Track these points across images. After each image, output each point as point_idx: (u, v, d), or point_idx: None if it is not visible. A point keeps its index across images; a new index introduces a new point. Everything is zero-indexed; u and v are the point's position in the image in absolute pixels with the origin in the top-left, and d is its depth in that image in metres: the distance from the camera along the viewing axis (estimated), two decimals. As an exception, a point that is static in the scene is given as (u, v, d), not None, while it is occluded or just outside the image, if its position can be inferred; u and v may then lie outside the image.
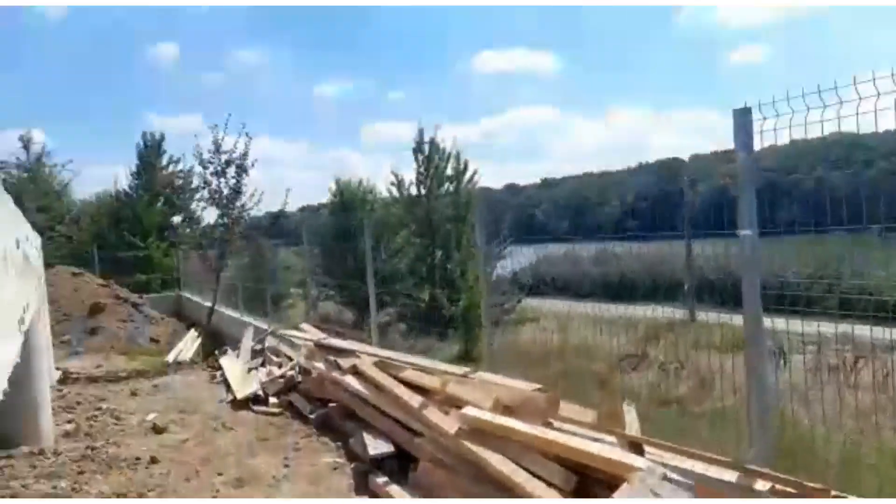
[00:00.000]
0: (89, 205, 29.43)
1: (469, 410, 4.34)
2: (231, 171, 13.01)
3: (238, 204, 13.05)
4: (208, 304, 14.16)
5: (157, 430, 5.67)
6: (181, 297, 19.73)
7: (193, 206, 15.36)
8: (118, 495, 4.11)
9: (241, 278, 14.05)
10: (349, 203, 20.69)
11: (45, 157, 29.24)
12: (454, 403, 4.81)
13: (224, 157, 12.92)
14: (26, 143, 28.69)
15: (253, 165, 13.14)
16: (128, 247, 23.99)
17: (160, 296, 19.89)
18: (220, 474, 4.64)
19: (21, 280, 2.61)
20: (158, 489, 4.29)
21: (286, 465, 4.86)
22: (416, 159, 16.70)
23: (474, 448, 4.02)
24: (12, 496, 3.86)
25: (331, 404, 5.97)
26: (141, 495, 4.14)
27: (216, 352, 11.21)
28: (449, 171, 16.75)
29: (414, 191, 16.56)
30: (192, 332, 13.94)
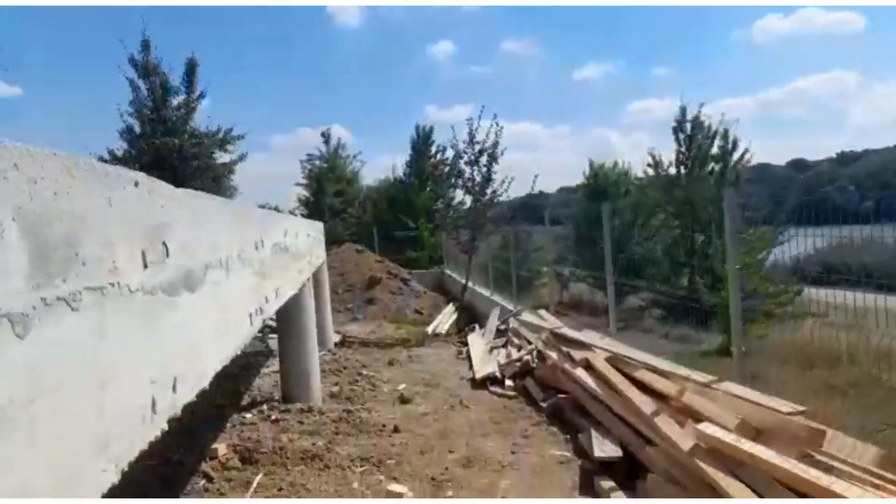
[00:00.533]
0: (373, 190, 33.47)
1: (707, 427, 3.83)
2: (483, 159, 13.50)
3: (489, 190, 13.51)
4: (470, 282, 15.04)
5: (404, 400, 6.16)
6: (443, 273, 21.25)
7: (450, 192, 16.36)
8: (362, 458, 4.54)
9: (492, 258, 14.60)
10: (602, 186, 20.13)
11: (340, 149, 33.86)
12: (691, 415, 4.31)
13: (477, 147, 13.46)
14: (326, 137, 33.54)
15: (502, 153, 13.47)
16: (401, 227, 26.72)
17: (426, 272, 21.68)
18: (451, 452, 4.84)
19: (264, 276, 2.94)
20: (396, 458, 4.63)
21: (513, 452, 4.87)
22: (677, 139, 15.49)
23: (710, 471, 3.54)
24: (281, 449, 4.52)
25: (561, 395, 5.83)
26: (380, 462, 4.52)
27: (466, 328, 11.88)
28: (714, 150, 15.22)
29: (673, 171, 15.42)
30: (450, 307, 14.95)
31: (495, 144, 13.41)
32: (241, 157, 21.16)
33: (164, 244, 1.45)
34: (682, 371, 5.19)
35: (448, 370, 7.65)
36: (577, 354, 5.96)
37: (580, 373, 5.68)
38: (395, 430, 5.24)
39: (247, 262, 2.61)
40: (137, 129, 19.20)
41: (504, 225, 14.01)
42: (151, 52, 18.91)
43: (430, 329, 12.70)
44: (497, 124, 13.31)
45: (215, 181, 20.01)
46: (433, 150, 30.60)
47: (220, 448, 4.49)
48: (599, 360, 5.65)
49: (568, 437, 5.16)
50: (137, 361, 1.23)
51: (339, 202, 31.59)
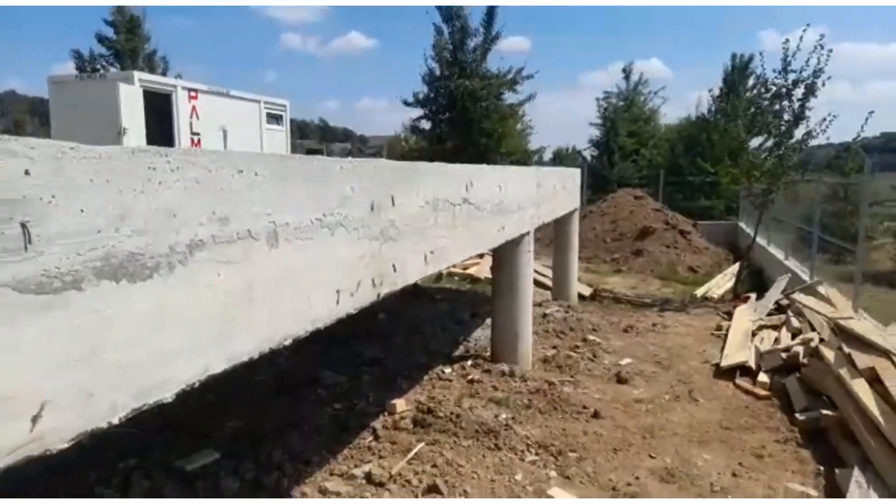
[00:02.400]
0: (671, 129, 30.81)
1: None
2: (798, 92, 10.97)
3: (798, 131, 11.00)
4: (760, 239, 12.88)
5: (620, 379, 5.38)
6: (738, 227, 18.69)
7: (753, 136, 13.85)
8: (541, 445, 4.03)
9: (791, 215, 12.12)
10: None
11: (641, 85, 31.67)
12: None
13: (791, 77, 10.97)
14: (627, 73, 31.62)
15: (824, 84, 10.75)
16: (697, 171, 24.11)
17: (716, 223, 19.32)
18: (652, 457, 4.02)
19: (387, 241, 2.61)
20: (581, 452, 4.01)
21: (734, 474, 3.85)
22: None
23: None
24: (458, 416, 4.25)
25: (826, 412, 4.44)
26: (560, 453, 3.95)
27: (742, 295, 10.13)
28: None
29: None
30: (733, 267, 13.00)
31: (816, 73, 10.77)
32: (530, 98, 21.13)
33: (22, 225, 1.14)
34: None
35: (692, 348, 6.52)
36: (862, 360, 4.47)
37: (859, 386, 4.24)
38: (595, 415, 4.57)
39: (341, 227, 2.26)
40: (437, 73, 20.40)
41: (819, 172, 11.41)
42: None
43: (699, 291, 11.21)
44: (822, 46, 10.63)
45: (501, 121, 20.36)
46: (750, 82, 26.63)
47: (399, 404, 4.41)
48: (892, 373, 4.14)
49: (821, 469, 3.90)
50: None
51: (631, 143, 29.85)
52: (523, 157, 21.74)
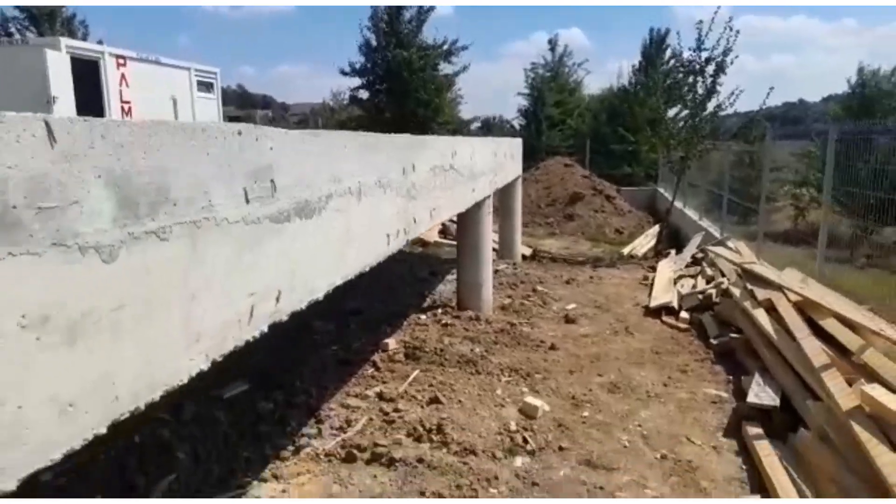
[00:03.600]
0: (594, 100, 32.26)
1: (875, 389, 3.48)
2: (709, 69, 12.24)
3: (710, 104, 12.30)
4: (677, 203, 14.24)
5: (568, 320, 6.34)
6: (656, 192, 20.24)
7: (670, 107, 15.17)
8: (512, 369, 4.90)
9: (704, 180, 13.54)
10: (871, 98, 16.98)
11: (566, 57, 32.84)
12: (869, 375, 3.89)
13: (704, 55, 12.21)
14: (553, 45, 32.70)
15: (732, 62, 12.05)
16: (619, 140, 25.61)
17: (637, 189, 20.81)
18: (600, 375, 4.98)
19: (413, 199, 3.29)
20: (544, 373, 4.91)
21: (665, 385, 4.86)
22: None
23: (864, 436, 3.25)
24: (441, 350, 5.06)
25: (736, 335, 5.54)
26: (528, 375, 4.84)
27: (662, 252, 11.41)
28: None
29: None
30: (654, 229, 14.37)
31: (726, 52, 12.04)
32: (464, 69, 21.83)
33: (271, 181, 1.81)
34: (877, 324, 4.61)
35: (625, 295, 7.59)
36: (762, 294, 5.56)
37: (759, 313, 5.32)
38: (552, 347, 5.49)
39: (389, 187, 2.96)
40: (374, 43, 20.73)
41: (728, 140, 12.76)
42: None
43: (625, 250, 12.45)
44: (731, 28, 11.88)
45: (437, 92, 21.00)
46: (666, 56, 28.28)
47: (391, 343, 5.17)
48: (783, 303, 5.23)
49: (731, 378, 4.97)
50: (233, 278, 1.62)
51: (558, 113, 31.10)
52: (459, 127, 22.53)
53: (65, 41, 16.20)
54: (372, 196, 2.70)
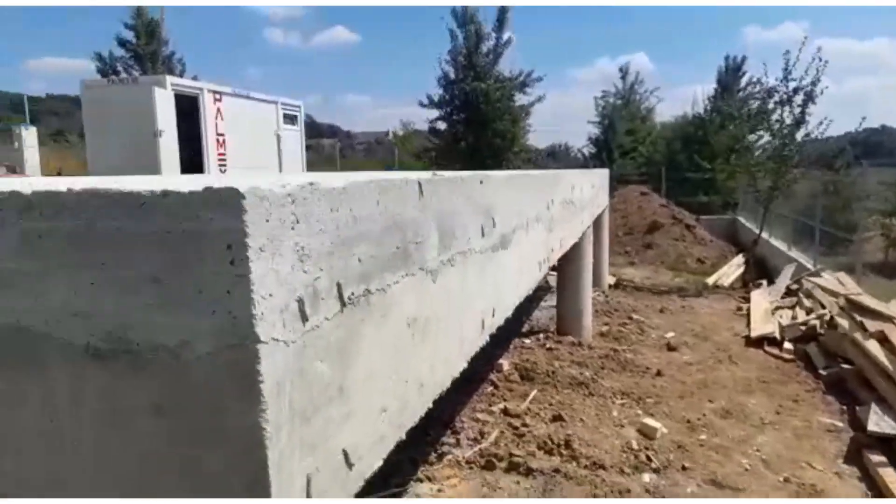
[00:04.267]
0: (667, 127, 32.10)
1: None
2: (798, 98, 12.17)
3: (799, 134, 12.19)
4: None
5: (670, 347, 6.49)
6: (736, 221, 19.91)
7: (752, 135, 15.03)
8: (623, 393, 5.12)
9: (790, 209, 13.33)
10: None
11: (637, 84, 32.92)
12: None
13: (792, 85, 12.16)
14: (624, 72, 32.89)
15: (822, 93, 11.95)
16: (695, 168, 25.33)
17: (716, 218, 20.54)
18: (710, 402, 5.13)
19: (551, 231, 3.63)
20: (655, 398, 5.11)
21: (777, 413, 4.96)
22: None
23: None
24: (552, 373, 5.33)
25: (844, 366, 5.56)
26: (640, 399, 5.04)
27: (752, 283, 11.29)
28: None
29: None
30: (738, 258, 14.20)
31: (814, 82, 11.97)
32: (539, 99, 22.25)
33: (492, 219, 2.19)
34: None
35: (721, 325, 7.65)
36: (873, 325, 5.58)
37: (872, 345, 5.35)
38: (658, 373, 5.67)
39: (540, 221, 3.31)
40: (452, 76, 21.46)
41: (818, 170, 12.58)
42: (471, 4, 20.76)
43: (710, 280, 12.37)
44: (820, 59, 11.82)
45: (513, 123, 21.48)
46: (743, 82, 27.93)
47: (505, 364, 5.48)
48: (897, 336, 5.26)
49: (844, 408, 5.02)
50: (476, 297, 1.99)
51: (629, 141, 31.08)
52: (533, 157, 22.91)
53: (170, 79, 17.60)
54: (532, 229, 3.05)
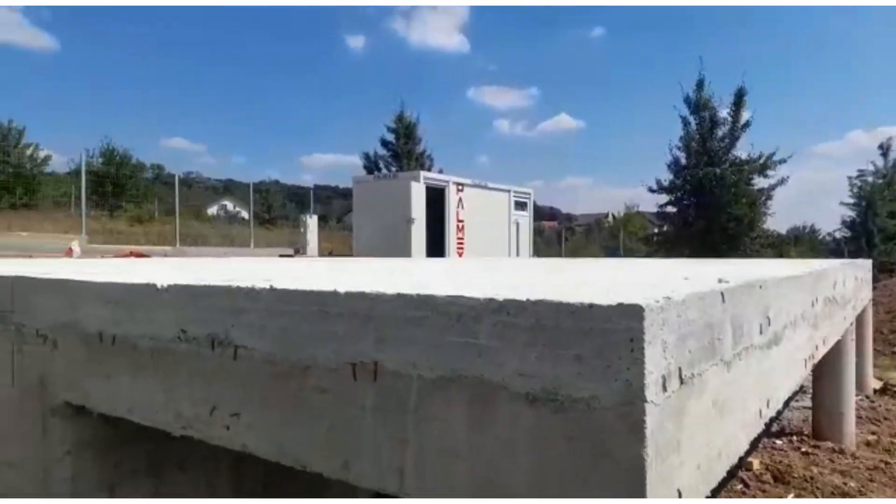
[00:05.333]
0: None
1: None
2: None
3: None
4: None
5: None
6: None
7: None
8: (899, 511, 4.64)
9: None
10: None
11: (902, 161, 29.27)
12: None
13: None
14: (885, 150, 29.48)
15: None
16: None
17: None
18: None
19: (815, 328, 3.69)
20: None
21: None
22: None
23: None
24: (811, 478, 5.03)
25: None
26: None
27: None
28: None
29: None
30: None
31: None
32: (781, 182, 20.97)
33: (767, 317, 2.47)
34: None
35: None
36: None
37: None
38: (943, 494, 5.01)
39: (805, 318, 3.42)
40: (683, 161, 21.28)
41: None
42: (704, 90, 20.72)
43: None
44: None
45: (751, 206, 20.39)
46: None
47: (755, 462, 5.31)
48: None
49: None
50: (756, 387, 2.27)
51: (892, 225, 27.38)
52: (775, 242, 21.31)
53: (423, 174, 20.10)
54: (798, 327, 3.19)
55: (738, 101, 20.48)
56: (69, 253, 16.46)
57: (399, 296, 1.67)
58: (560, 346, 1.41)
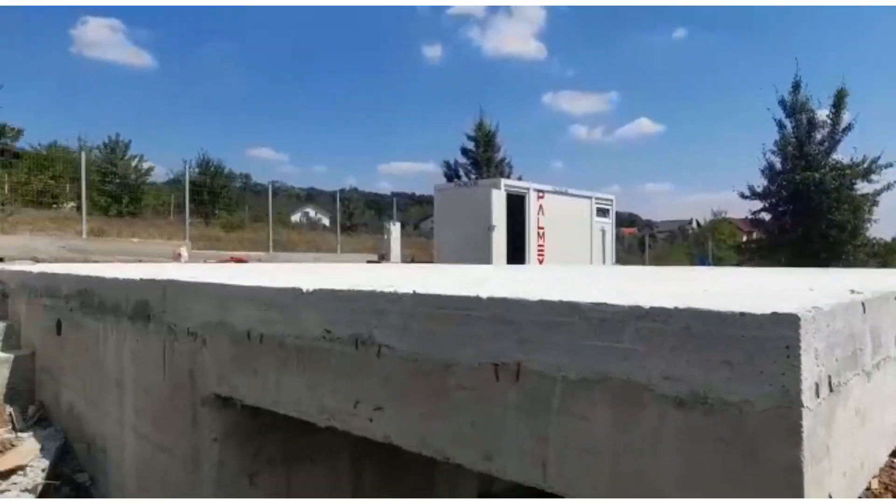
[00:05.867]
0: None
1: None
2: None
3: None
4: None
5: None
6: None
7: None
8: None
9: None
10: None
11: None
12: None
13: None
14: None
15: None
16: None
17: None
18: None
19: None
20: None
21: None
22: None
23: None
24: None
25: None
26: None
27: None
28: None
29: None
30: None
31: None
32: (888, 187, 19.60)
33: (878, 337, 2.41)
34: None
35: None
36: None
37: None
38: None
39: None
40: (778, 166, 20.29)
41: None
42: (801, 92, 19.74)
43: None
44: None
45: (854, 213, 19.19)
46: None
47: (874, 482, 5.05)
48: None
49: None
50: (892, 398, 2.23)
51: None
52: (881, 251, 19.95)
53: (504, 182, 20.16)
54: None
55: (839, 103, 19.27)
56: (177, 257, 17.59)
57: (542, 301, 1.77)
58: (709, 352, 1.47)
